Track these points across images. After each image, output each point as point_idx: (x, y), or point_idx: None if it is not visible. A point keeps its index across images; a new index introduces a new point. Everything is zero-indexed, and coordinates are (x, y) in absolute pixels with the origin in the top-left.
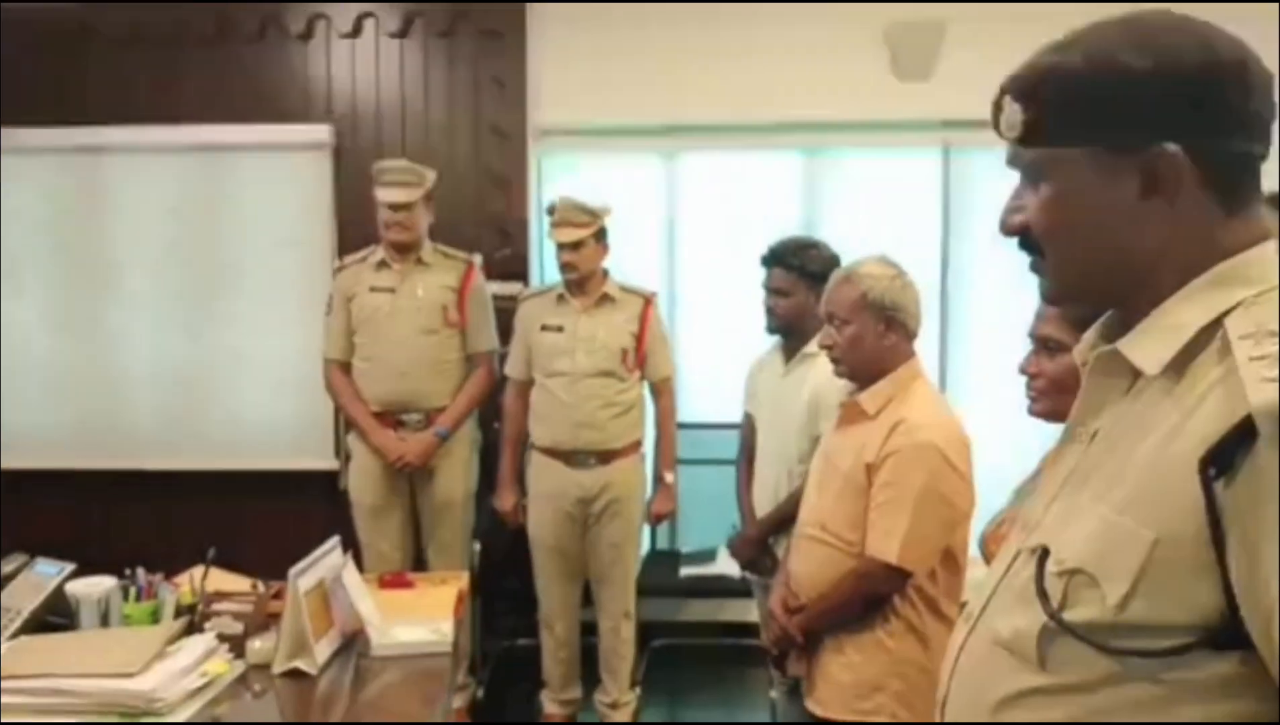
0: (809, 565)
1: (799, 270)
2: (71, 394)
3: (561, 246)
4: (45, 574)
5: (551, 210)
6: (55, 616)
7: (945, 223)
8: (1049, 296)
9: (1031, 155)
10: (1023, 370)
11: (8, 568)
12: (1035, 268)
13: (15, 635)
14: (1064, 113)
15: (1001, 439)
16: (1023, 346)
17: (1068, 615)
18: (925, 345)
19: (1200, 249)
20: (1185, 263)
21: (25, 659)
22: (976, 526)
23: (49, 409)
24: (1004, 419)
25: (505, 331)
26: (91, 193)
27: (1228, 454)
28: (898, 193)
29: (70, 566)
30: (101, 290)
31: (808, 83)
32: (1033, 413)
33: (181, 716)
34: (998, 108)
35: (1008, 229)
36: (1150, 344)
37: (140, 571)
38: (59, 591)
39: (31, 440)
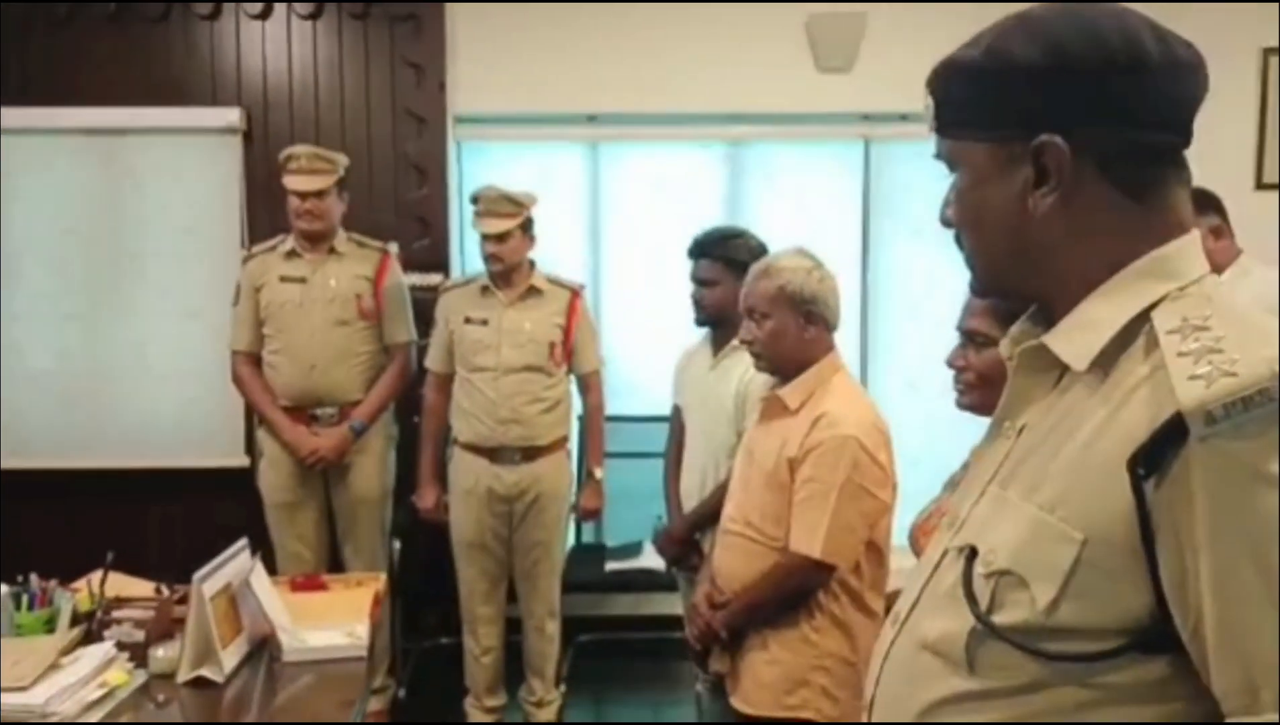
0: (733, 561)
1: (725, 261)
2: None
3: (486, 238)
4: None
5: (476, 200)
6: None
7: (865, 214)
8: (975, 289)
9: (943, 148)
10: (950, 364)
11: None
12: (967, 261)
13: None
14: (962, 105)
15: (922, 428)
16: (950, 339)
17: (996, 618)
18: (846, 336)
19: (1112, 243)
20: (1097, 257)
21: None
22: (899, 518)
23: None
24: (924, 409)
25: (425, 323)
26: None
27: (1157, 453)
28: (819, 184)
29: None
30: None
31: (730, 74)
32: (961, 406)
33: None
34: (926, 100)
35: (942, 221)
36: (1076, 338)
37: (33, 577)
38: None
39: None
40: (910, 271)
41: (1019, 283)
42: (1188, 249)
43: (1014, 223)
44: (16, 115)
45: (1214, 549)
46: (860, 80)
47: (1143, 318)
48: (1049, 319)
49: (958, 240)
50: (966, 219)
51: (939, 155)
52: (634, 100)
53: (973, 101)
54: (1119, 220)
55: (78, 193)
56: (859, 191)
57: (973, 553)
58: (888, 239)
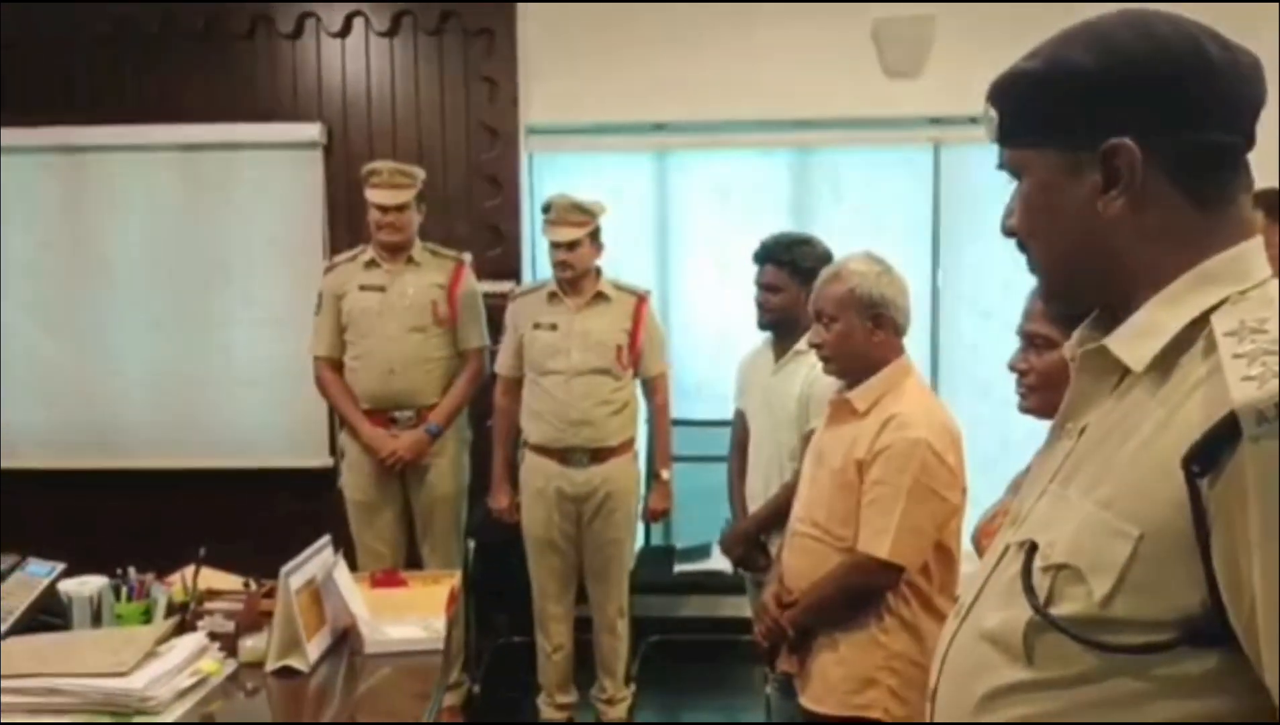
0: (801, 561)
1: (790, 266)
2: (63, 393)
3: (556, 246)
4: (37, 574)
5: (547, 209)
6: (47, 616)
7: (936, 219)
8: (1042, 296)
9: (1008, 157)
10: (1013, 367)
11: None
12: (1031, 267)
13: (7, 635)
14: (1027, 115)
15: (994, 433)
16: (1015, 342)
17: (1054, 610)
18: (918, 341)
19: (1177, 245)
20: (1162, 260)
21: (17, 659)
22: (969, 521)
23: (40, 408)
24: (996, 413)
25: (497, 329)
26: (80, 192)
27: (1211, 451)
28: (888, 190)
29: (61, 566)
30: (92, 289)
31: (797, 80)
32: (1023, 409)
33: (173, 715)
34: (985, 112)
35: (1004, 231)
36: (1136, 341)
37: (132, 570)
38: (51, 591)
39: (23, 439)
40: (982, 275)
41: (1086, 288)
42: (1250, 253)
43: (1082, 227)
44: (111, 133)
45: (1266, 545)
46: (929, 84)
47: (1203, 321)
48: (1113, 322)
49: (1021, 247)
50: (1033, 226)
51: (1002, 165)
52: (701, 108)
53: (1037, 110)
54: (1186, 223)
55: (167, 205)
56: (929, 196)
57: (1032, 547)
58: (958, 243)
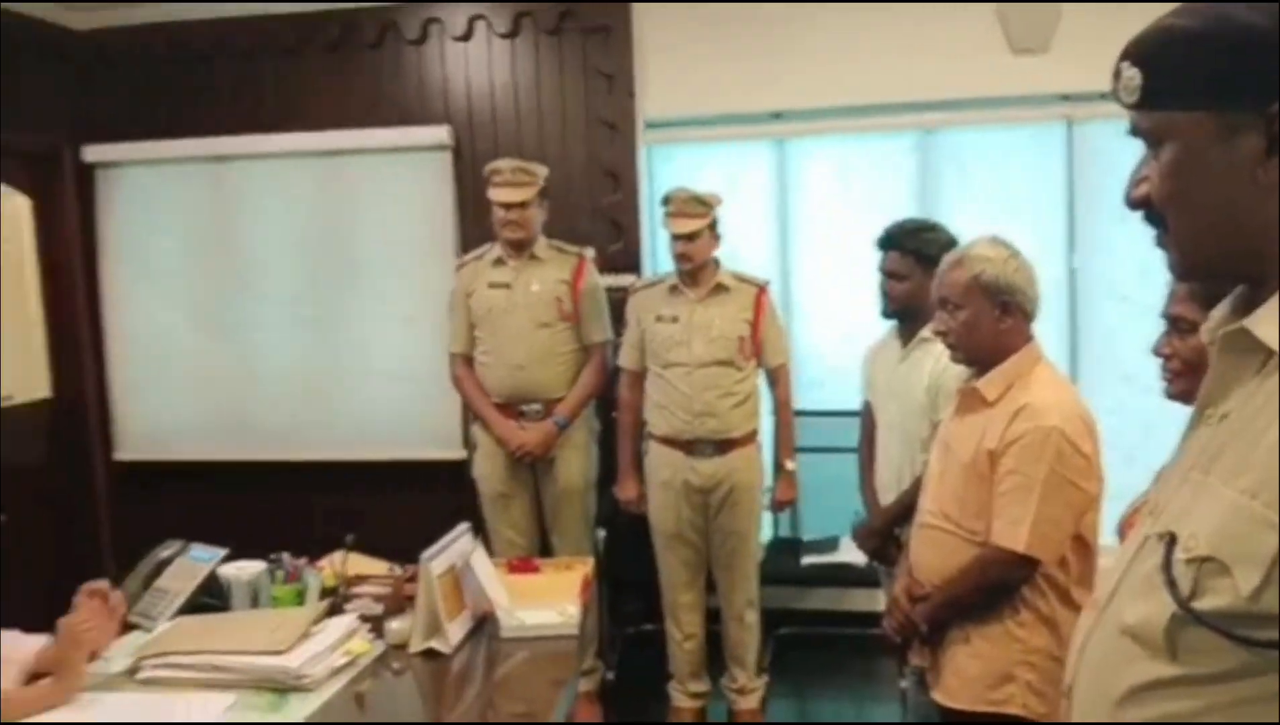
0: (931, 554)
1: (915, 253)
2: (216, 390)
3: (677, 237)
4: (200, 559)
5: (667, 201)
6: (210, 598)
7: (1070, 199)
8: (1175, 270)
9: (1151, 121)
10: (1156, 352)
11: (166, 553)
12: (1161, 241)
13: (175, 615)
14: (1182, 75)
15: (1137, 421)
16: (1157, 326)
17: (1198, 604)
18: (1054, 327)
19: None
20: None
21: (185, 637)
22: (1108, 510)
23: (196, 404)
24: (1139, 400)
25: (620, 322)
26: (226, 199)
27: None
28: (1019, 170)
29: (223, 552)
30: (239, 291)
31: (919, 61)
32: (1169, 395)
33: (327, 693)
34: (1116, 74)
35: (1132, 201)
36: (1278, 321)
37: (286, 556)
38: (213, 575)
39: (182, 434)
40: (1120, 257)
41: (1228, 262)
42: None
43: (1233, 195)
44: (252, 142)
45: None
46: (1058, 59)
47: None
48: (1254, 300)
49: (1148, 220)
50: (1176, 194)
51: (1136, 130)
52: (820, 94)
53: (1194, 71)
54: None
55: (306, 210)
56: (1063, 175)
57: (1173, 539)
58: (1095, 224)
